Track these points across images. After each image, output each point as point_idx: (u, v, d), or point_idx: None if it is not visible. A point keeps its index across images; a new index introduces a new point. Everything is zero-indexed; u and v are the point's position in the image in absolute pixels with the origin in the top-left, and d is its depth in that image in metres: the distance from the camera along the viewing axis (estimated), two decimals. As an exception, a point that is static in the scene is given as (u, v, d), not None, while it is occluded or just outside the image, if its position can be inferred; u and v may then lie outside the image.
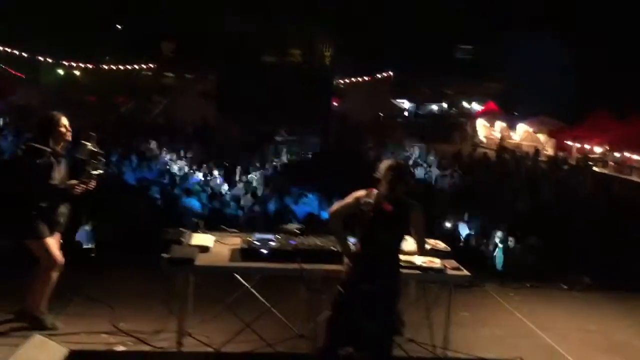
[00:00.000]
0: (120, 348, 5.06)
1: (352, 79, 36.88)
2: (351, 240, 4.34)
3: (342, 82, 36.74)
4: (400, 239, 4.28)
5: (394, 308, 4.25)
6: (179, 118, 24.39)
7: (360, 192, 4.26)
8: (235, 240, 5.05)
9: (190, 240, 4.98)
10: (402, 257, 4.44)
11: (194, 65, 32.99)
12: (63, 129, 4.98)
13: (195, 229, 5.36)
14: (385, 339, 4.21)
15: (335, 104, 32.35)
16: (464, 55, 42.17)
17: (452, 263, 4.89)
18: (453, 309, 5.06)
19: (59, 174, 4.93)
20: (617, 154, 22.25)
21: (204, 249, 4.80)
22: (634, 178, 20.23)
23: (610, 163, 22.48)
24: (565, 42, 29.07)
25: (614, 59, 26.90)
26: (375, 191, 4.20)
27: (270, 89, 25.04)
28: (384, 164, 4.26)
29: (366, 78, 36.36)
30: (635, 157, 21.14)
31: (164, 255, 4.57)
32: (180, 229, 5.23)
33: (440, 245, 5.15)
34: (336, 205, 4.38)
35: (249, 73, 25.64)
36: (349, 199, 4.29)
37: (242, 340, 5.13)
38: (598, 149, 23.21)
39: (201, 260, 4.63)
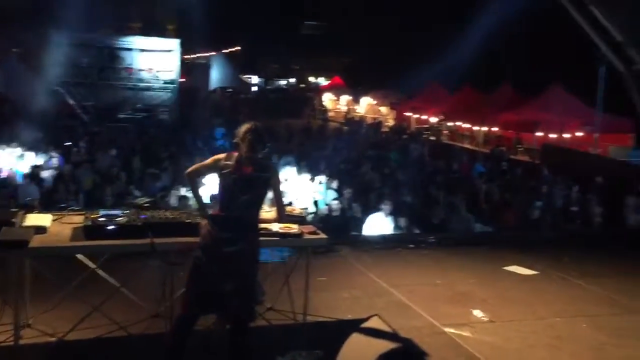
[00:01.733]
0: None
1: (199, 54, 35.92)
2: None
3: (187, 57, 35.61)
4: (260, 202, 4.19)
5: (253, 273, 4.17)
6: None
7: (220, 155, 4.17)
8: (77, 219, 4.62)
9: (24, 221, 4.46)
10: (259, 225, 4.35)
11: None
12: None
13: (31, 209, 4.81)
14: (245, 304, 4.10)
15: (182, 79, 31.31)
16: (310, 31, 42.86)
17: (309, 228, 4.89)
18: (312, 275, 5.10)
19: None
20: (450, 124, 23.97)
21: (41, 230, 4.31)
22: (466, 145, 21.95)
23: (445, 132, 24.19)
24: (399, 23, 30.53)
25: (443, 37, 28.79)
26: (235, 154, 4.08)
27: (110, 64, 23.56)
28: (243, 128, 4.15)
29: (213, 53, 35.58)
30: (465, 125, 22.92)
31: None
32: (12, 209, 4.67)
33: (297, 210, 5.13)
34: (193, 166, 4.34)
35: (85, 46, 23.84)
36: (208, 160, 4.23)
37: (91, 325, 4.77)
38: (434, 119, 24.85)
39: (37, 242, 4.15)
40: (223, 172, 4.06)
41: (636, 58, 10.88)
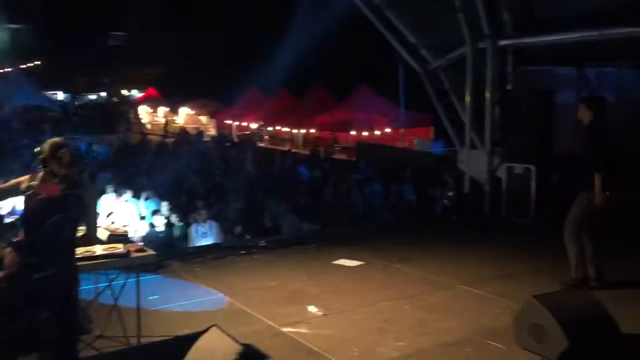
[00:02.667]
0: None
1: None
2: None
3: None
4: (73, 222, 3.90)
5: (71, 301, 3.88)
6: None
7: (23, 177, 3.84)
8: None
9: None
10: (81, 249, 4.09)
11: None
12: None
13: None
14: (64, 337, 3.81)
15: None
16: (117, 43, 40.99)
17: (135, 246, 4.71)
18: (143, 294, 4.89)
19: None
20: (270, 128, 24.49)
21: None
22: (287, 148, 22.54)
23: (266, 137, 24.65)
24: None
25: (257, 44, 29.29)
26: (40, 174, 3.78)
27: None
28: (48, 144, 3.86)
29: (9, 69, 32.54)
30: (284, 129, 23.58)
31: None
32: None
33: (120, 229, 4.90)
34: None
35: None
36: (7, 183, 3.91)
37: None
38: (254, 125, 25.20)
39: None
40: (27, 194, 3.74)
41: (429, 58, 12.03)
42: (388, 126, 20.69)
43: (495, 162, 10.79)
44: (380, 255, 8.05)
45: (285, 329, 5.53)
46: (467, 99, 11.28)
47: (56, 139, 3.95)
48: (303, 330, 5.50)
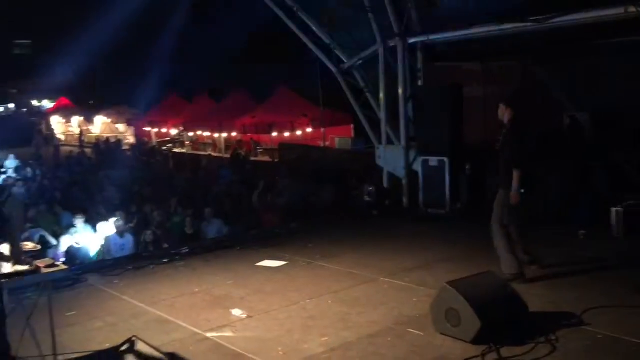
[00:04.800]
0: None
1: None
2: None
3: None
4: None
5: None
6: None
7: None
8: None
9: None
10: None
11: None
12: None
13: None
14: None
15: None
16: (22, 51, 39.08)
17: (47, 261, 4.54)
18: (59, 312, 4.73)
19: None
20: (191, 134, 24.12)
21: None
22: (209, 152, 22.30)
23: (187, 143, 24.26)
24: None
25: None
26: None
27: None
28: None
29: None
30: (206, 134, 23.29)
31: None
32: None
33: (29, 245, 4.72)
34: None
35: None
36: None
37: None
38: (174, 131, 24.75)
39: None
40: None
41: (343, 58, 12.24)
42: (309, 126, 20.86)
43: (411, 156, 11.11)
44: (303, 253, 8.14)
45: (209, 334, 5.49)
46: (381, 96, 11.56)
47: None
48: (228, 334, 5.48)
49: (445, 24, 10.57)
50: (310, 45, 12.57)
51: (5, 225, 3.77)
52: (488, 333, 4.81)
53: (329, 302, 6.22)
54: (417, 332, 5.28)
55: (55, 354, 4.63)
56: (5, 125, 32.54)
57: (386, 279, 6.85)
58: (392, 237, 8.92)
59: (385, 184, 11.64)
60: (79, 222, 9.51)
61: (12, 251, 4.05)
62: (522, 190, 6.37)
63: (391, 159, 11.45)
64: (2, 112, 38.59)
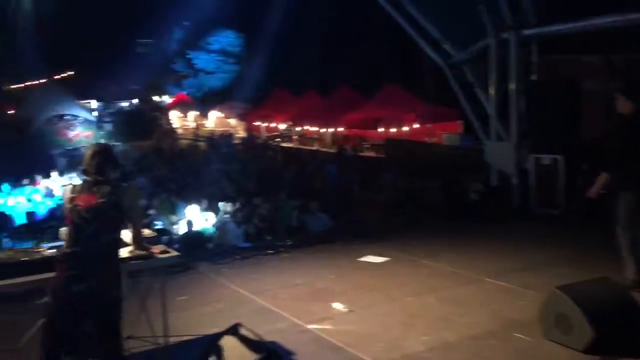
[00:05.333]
0: None
1: (28, 83, 33.49)
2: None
3: (14, 87, 33.06)
4: (111, 229, 3.93)
5: (114, 310, 3.94)
6: None
7: (68, 189, 3.97)
8: None
9: None
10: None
11: None
12: None
13: None
14: (109, 344, 3.90)
15: (10, 112, 29.03)
16: (144, 50, 41.58)
17: (160, 247, 4.81)
18: (171, 296, 5.00)
19: None
20: (298, 129, 24.57)
21: None
22: (315, 147, 22.60)
23: (295, 137, 24.74)
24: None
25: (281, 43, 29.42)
26: (80, 184, 3.91)
27: None
28: (87, 152, 3.96)
29: (44, 80, 33.32)
30: (313, 129, 23.63)
31: None
32: None
33: (146, 231, 5.01)
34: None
35: None
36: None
37: None
38: (283, 126, 25.32)
39: None
40: (69, 205, 3.85)
41: (451, 52, 11.94)
42: (416, 122, 20.56)
43: (522, 154, 10.65)
44: (407, 250, 8.06)
45: (310, 326, 5.58)
46: (491, 91, 11.16)
47: (94, 146, 4.02)
48: (328, 327, 5.55)
49: (563, 15, 10.00)
50: (418, 40, 12.37)
51: (126, 213, 4.01)
52: (602, 343, 4.52)
53: (431, 300, 6.12)
54: (523, 336, 5.06)
55: (166, 336, 4.90)
56: (129, 119, 34.90)
57: (491, 280, 6.63)
58: (500, 237, 8.61)
59: (494, 182, 11.24)
60: (193, 211, 9.99)
61: (133, 237, 4.31)
62: None
63: (500, 156, 11.04)
64: (127, 107, 41.31)
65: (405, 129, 20.69)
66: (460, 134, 18.24)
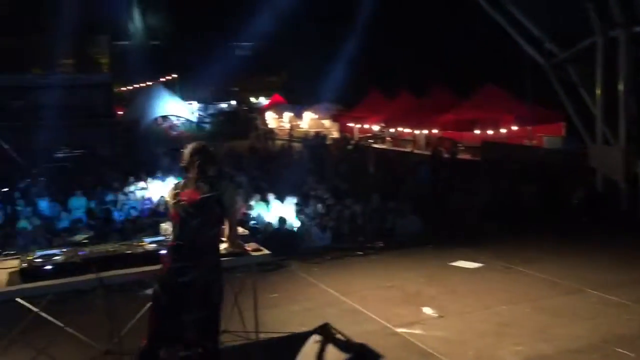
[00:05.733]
0: None
1: (136, 85, 35.54)
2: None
3: (124, 89, 35.22)
4: (213, 224, 4.06)
5: (214, 301, 4.06)
6: None
7: (172, 185, 4.14)
8: (13, 263, 4.51)
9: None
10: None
11: None
12: None
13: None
14: (207, 335, 4.03)
15: (120, 112, 30.92)
16: (243, 52, 42.85)
17: (253, 245, 4.91)
18: (263, 292, 5.10)
19: None
20: (392, 130, 24.40)
21: (-26, 278, 4.20)
22: (408, 149, 22.37)
23: (388, 139, 24.59)
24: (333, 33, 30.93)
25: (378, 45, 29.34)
26: (183, 181, 4.07)
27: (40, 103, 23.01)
28: (187, 150, 4.11)
29: (150, 83, 35.20)
30: (407, 130, 23.38)
31: None
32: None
33: (239, 230, 5.14)
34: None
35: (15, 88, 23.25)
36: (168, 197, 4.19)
37: (40, 370, 4.66)
38: (376, 127, 25.24)
39: (-29, 290, 4.04)
40: (174, 200, 4.02)
41: (554, 51, 11.40)
42: (514, 124, 19.82)
43: (631, 158, 9.98)
44: (501, 257, 7.79)
45: (399, 330, 5.52)
46: (598, 91, 10.55)
47: (194, 145, 4.15)
48: (418, 332, 5.46)
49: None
50: (518, 39, 11.93)
51: (225, 209, 4.13)
52: None
53: (527, 310, 5.87)
54: (627, 352, 4.75)
55: (257, 331, 5.00)
56: (227, 120, 36.18)
57: (594, 292, 6.26)
58: (604, 246, 8.12)
59: (599, 188, 10.61)
60: (285, 210, 10.17)
61: (228, 235, 4.43)
62: None
63: (607, 160, 10.41)
64: (225, 108, 42.82)
65: (503, 131, 19.99)
66: (563, 136, 17.40)
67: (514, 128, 19.85)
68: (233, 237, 4.44)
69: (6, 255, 4.79)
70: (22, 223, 10.07)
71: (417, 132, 22.85)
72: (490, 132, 19.92)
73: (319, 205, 10.32)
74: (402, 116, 23.13)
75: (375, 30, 25.50)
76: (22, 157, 20.85)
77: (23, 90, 23.23)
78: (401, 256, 8.15)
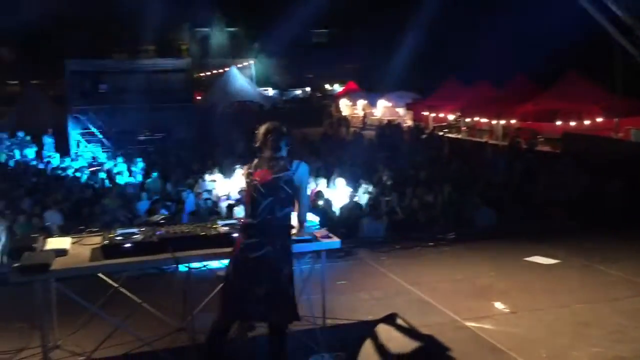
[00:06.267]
0: (-21, 373, 4.63)
1: (214, 71, 36.36)
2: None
3: (202, 74, 36.11)
4: (285, 203, 4.14)
5: (286, 276, 4.15)
6: (32, 124, 22.72)
7: (247, 165, 4.23)
8: (96, 240, 4.75)
9: (45, 245, 4.61)
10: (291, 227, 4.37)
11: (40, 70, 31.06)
12: None
13: (51, 234, 4.96)
14: (280, 309, 4.13)
15: (198, 97, 31.74)
16: (320, 40, 42.99)
17: (322, 232, 4.94)
18: (331, 279, 5.13)
19: None
20: (468, 119, 23.83)
21: (61, 252, 4.45)
22: (485, 140, 21.76)
23: (463, 128, 24.05)
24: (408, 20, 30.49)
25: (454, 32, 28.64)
26: (256, 161, 4.15)
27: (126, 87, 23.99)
28: (261, 130, 4.19)
29: (227, 69, 35.92)
30: (484, 120, 22.76)
31: (15, 264, 4.20)
32: (32, 234, 4.83)
33: (310, 216, 5.17)
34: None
35: (102, 72, 24.35)
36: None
37: (117, 343, 4.90)
38: (451, 116, 24.73)
39: (58, 264, 4.28)
40: (247, 180, 4.14)
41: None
42: (599, 115, 18.88)
43: None
44: (580, 254, 7.48)
45: (469, 324, 5.42)
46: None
47: (268, 125, 4.21)
48: (488, 326, 5.34)
49: None
50: (608, 27, 11.31)
51: (296, 191, 4.19)
52: None
53: (605, 310, 5.61)
54: None
55: (324, 317, 5.04)
56: (301, 107, 36.48)
57: (679, 295, 5.91)
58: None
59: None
60: (356, 197, 10.17)
61: (297, 218, 4.48)
62: None
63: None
64: (299, 94, 43.17)
65: (587, 122, 19.09)
66: (653, 129, 16.43)
67: (599, 119, 18.92)
68: (302, 221, 4.49)
69: (90, 232, 5.04)
70: (106, 201, 10.56)
71: (494, 122, 22.20)
72: (572, 123, 19.07)
73: (393, 194, 10.23)
74: (480, 105, 22.53)
75: (454, 17, 24.93)
76: (108, 138, 21.93)
77: (108, 75, 24.26)
78: (473, 249, 7.97)
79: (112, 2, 26.16)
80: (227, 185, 11.83)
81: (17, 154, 18.06)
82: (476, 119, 23.30)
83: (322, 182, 11.14)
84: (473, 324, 5.39)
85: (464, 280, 6.65)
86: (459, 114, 24.01)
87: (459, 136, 23.51)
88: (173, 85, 24.88)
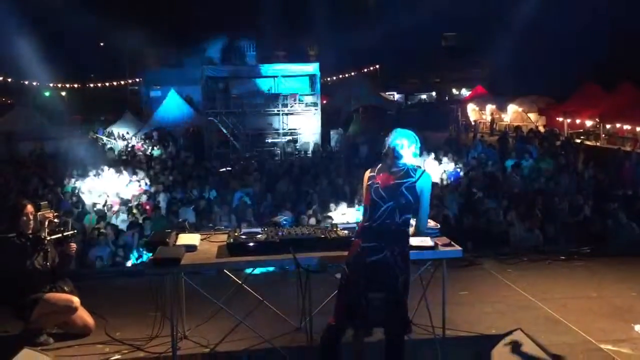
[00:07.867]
0: (116, 357, 4.98)
1: (340, 75, 36.90)
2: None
3: (328, 79, 36.75)
4: (405, 209, 4.07)
5: (403, 283, 4.07)
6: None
7: (370, 169, 4.25)
8: (222, 237, 4.96)
9: (176, 240, 4.89)
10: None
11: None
12: (25, 218, 5.11)
13: (182, 230, 5.27)
14: (395, 316, 4.05)
15: (324, 101, 32.37)
16: (449, 43, 42.21)
17: (444, 240, 4.79)
18: (452, 289, 4.96)
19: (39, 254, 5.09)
20: (608, 126, 22.21)
21: (191, 248, 4.70)
22: (627, 148, 20.14)
23: (602, 136, 22.45)
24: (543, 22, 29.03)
25: (595, 32, 26.84)
26: (379, 165, 4.17)
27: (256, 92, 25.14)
28: (388, 138, 4.19)
29: (353, 73, 36.30)
30: (626, 127, 21.09)
31: (150, 257, 4.50)
32: (166, 230, 5.15)
33: (430, 223, 5.05)
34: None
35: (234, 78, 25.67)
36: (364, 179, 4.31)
37: (239, 338, 5.07)
38: (589, 123, 23.18)
39: (188, 259, 4.53)
40: (368, 183, 4.15)
41: None
42: None
43: None
44: None
45: (603, 346, 5.00)
46: None
47: (394, 133, 4.20)
48: (625, 350, 4.90)
49: None
50: None
51: (417, 198, 4.11)
52: None
53: None
54: None
55: (444, 328, 4.88)
56: (426, 111, 35.96)
57: None
58: None
59: None
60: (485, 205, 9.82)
61: (415, 226, 4.39)
62: None
63: None
64: (425, 99, 42.62)
65: None
66: None
67: None
68: (420, 229, 4.39)
69: (217, 230, 5.28)
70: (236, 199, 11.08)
71: (638, 129, 20.50)
72: None
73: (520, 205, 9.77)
74: (622, 111, 20.88)
75: (591, 17, 23.34)
76: (238, 140, 23.03)
77: (240, 79, 25.48)
78: (611, 265, 7.33)
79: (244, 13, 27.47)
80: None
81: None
82: (617, 125, 21.65)
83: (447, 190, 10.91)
84: (608, 347, 4.97)
85: (599, 299, 6.15)
86: (597, 120, 22.45)
87: (597, 144, 21.96)
88: (301, 90, 25.62)
